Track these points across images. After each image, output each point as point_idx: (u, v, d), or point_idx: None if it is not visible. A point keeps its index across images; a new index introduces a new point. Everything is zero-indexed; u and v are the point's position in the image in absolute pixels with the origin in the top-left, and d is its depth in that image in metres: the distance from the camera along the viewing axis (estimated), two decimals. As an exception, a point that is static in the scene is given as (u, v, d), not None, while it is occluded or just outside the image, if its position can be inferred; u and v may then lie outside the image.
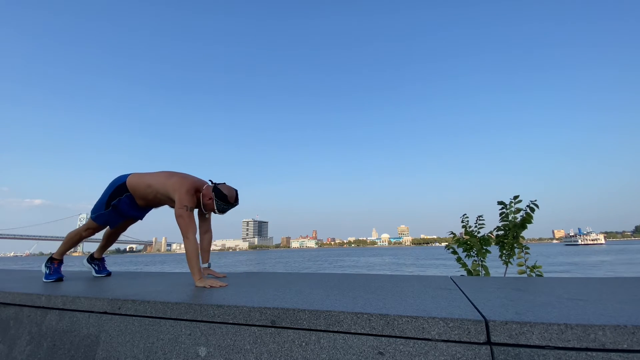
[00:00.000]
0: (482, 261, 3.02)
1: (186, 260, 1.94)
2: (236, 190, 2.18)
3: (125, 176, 2.30)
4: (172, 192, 2.09)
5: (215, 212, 2.16)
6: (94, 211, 2.32)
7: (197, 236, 2.04)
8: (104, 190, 2.32)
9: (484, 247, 3.03)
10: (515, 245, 2.86)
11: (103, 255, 2.71)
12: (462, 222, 3.29)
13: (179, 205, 2.00)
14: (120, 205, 2.28)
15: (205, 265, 2.28)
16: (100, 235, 2.64)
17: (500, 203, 2.95)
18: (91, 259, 2.69)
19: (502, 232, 2.95)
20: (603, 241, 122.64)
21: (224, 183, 2.19)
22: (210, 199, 2.10)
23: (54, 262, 2.40)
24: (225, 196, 2.08)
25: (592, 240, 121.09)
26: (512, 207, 2.89)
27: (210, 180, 2.22)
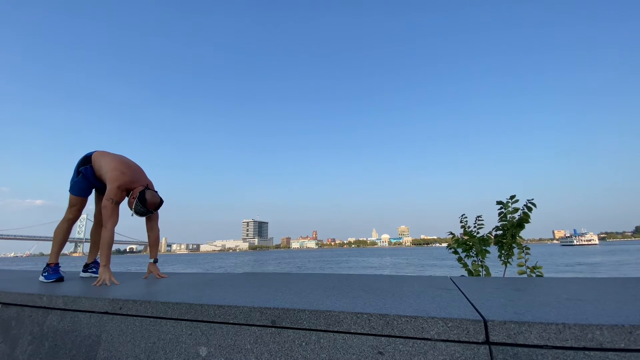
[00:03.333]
0: (482, 261, 3.01)
1: (100, 246, 2.21)
2: (161, 200, 2.38)
3: (95, 151, 2.50)
4: (107, 181, 2.28)
5: (131, 210, 2.32)
6: (70, 184, 2.49)
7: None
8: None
9: (484, 247, 3.03)
10: (513, 245, 2.86)
11: (96, 258, 2.72)
12: (461, 222, 3.29)
13: (107, 197, 2.22)
14: (87, 173, 2.45)
15: (151, 260, 2.49)
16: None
17: (499, 203, 2.95)
18: (85, 267, 2.71)
19: (500, 232, 2.95)
20: (597, 242, 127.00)
21: (157, 192, 2.39)
22: (134, 198, 2.28)
23: (51, 265, 2.41)
24: (145, 200, 2.25)
25: (587, 240, 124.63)
26: (509, 206, 2.88)
27: (147, 185, 2.39)
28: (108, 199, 2.21)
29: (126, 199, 2.36)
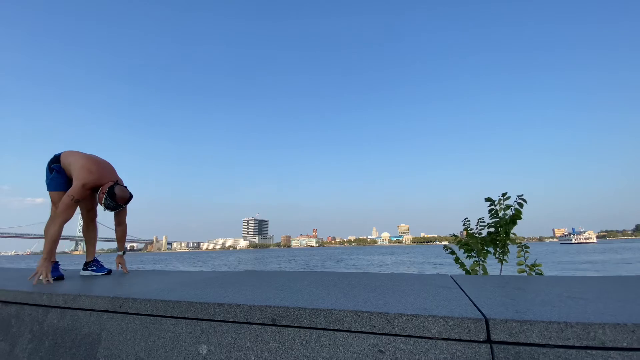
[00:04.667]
0: (482, 261, 3.02)
1: (45, 239, 2.23)
2: (130, 195, 2.44)
3: (64, 151, 2.54)
4: (74, 178, 2.32)
5: (101, 205, 2.37)
6: (47, 183, 2.51)
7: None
8: None
9: (485, 248, 3.03)
10: (508, 242, 2.86)
11: (96, 256, 2.72)
12: (464, 225, 3.30)
13: (69, 192, 2.26)
14: (60, 169, 2.48)
15: (120, 253, 2.63)
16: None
17: (487, 200, 2.95)
18: (85, 265, 2.70)
19: (492, 229, 2.95)
20: (594, 240, 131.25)
21: (126, 187, 2.44)
22: (103, 193, 2.32)
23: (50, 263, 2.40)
24: (114, 194, 2.30)
25: (585, 239, 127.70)
26: (501, 204, 2.89)
27: (117, 180, 2.44)
28: (69, 195, 2.25)
29: (96, 198, 2.41)
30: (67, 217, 2.26)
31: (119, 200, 2.33)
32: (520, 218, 2.78)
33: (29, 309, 1.77)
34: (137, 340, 1.41)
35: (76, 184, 2.28)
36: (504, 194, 2.87)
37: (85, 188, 2.30)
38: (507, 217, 2.84)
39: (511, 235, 2.85)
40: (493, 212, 2.93)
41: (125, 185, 2.51)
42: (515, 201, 2.79)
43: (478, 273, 2.96)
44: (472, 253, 3.08)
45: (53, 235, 2.20)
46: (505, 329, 0.96)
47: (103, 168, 2.44)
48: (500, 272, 2.80)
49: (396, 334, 1.06)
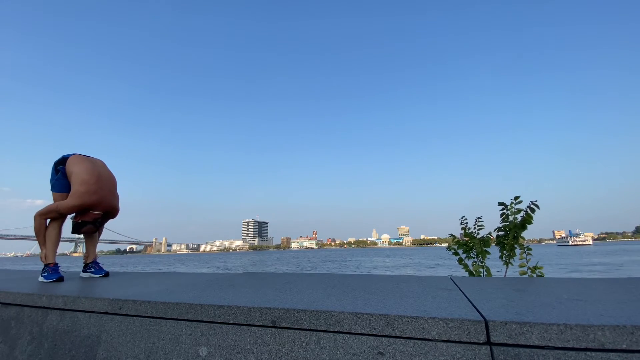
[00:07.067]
0: (482, 262, 3.01)
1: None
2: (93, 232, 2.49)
3: (74, 154, 2.54)
4: (71, 193, 2.34)
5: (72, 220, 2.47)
6: (51, 184, 2.53)
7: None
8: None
9: (484, 248, 3.02)
10: (515, 245, 2.85)
11: (96, 258, 2.72)
12: (461, 224, 3.29)
13: (60, 204, 2.31)
14: (64, 170, 2.49)
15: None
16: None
17: (501, 204, 2.95)
18: (85, 267, 2.70)
19: (502, 232, 2.95)
20: (591, 242, 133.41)
21: (98, 221, 2.45)
22: (77, 219, 2.38)
23: (50, 265, 2.41)
24: (77, 230, 2.38)
25: (582, 241, 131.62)
26: (512, 207, 2.88)
27: (99, 216, 2.45)
28: (58, 207, 2.30)
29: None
30: (45, 219, 2.34)
31: (78, 232, 2.39)
32: (530, 223, 2.77)
33: (28, 311, 1.77)
34: (136, 342, 1.41)
35: (71, 201, 2.28)
36: (516, 198, 2.86)
37: (73, 209, 2.34)
38: (517, 220, 2.83)
39: (519, 239, 2.84)
40: (504, 215, 2.92)
41: (119, 206, 2.56)
42: (527, 206, 2.78)
43: (481, 275, 2.96)
44: (472, 253, 3.08)
45: (52, 236, 2.23)
46: (504, 331, 0.96)
47: (103, 188, 2.42)
48: (505, 275, 2.80)
49: (396, 335, 1.06)
